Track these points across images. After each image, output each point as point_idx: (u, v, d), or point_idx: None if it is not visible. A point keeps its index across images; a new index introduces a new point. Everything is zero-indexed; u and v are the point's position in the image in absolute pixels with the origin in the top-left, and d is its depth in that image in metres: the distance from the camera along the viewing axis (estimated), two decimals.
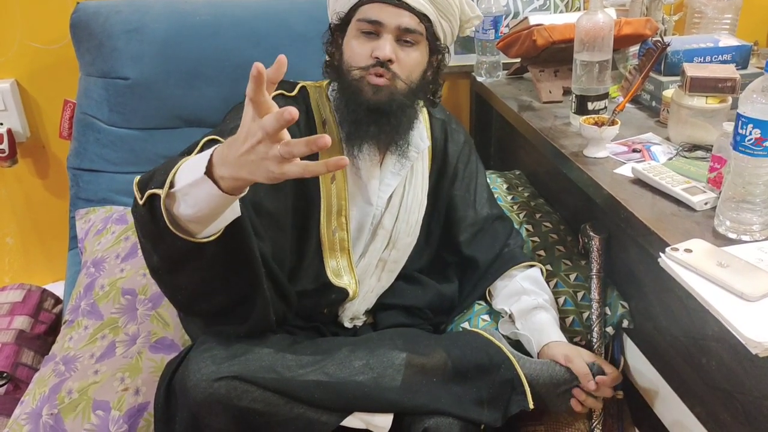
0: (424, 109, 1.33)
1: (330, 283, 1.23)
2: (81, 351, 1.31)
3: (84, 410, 1.19)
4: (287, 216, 1.18)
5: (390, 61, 1.13)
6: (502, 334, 1.27)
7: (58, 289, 1.75)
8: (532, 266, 1.34)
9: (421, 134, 1.28)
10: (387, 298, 1.30)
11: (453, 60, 1.87)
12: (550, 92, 1.62)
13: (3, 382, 1.38)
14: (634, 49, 1.66)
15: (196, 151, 1.01)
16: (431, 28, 1.17)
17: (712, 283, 0.91)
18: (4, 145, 1.71)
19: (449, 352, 1.12)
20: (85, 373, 1.25)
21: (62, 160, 1.73)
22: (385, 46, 1.12)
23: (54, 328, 1.62)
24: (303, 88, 1.26)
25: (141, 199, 0.91)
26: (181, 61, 1.55)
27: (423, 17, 1.15)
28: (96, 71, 1.58)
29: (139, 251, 1.43)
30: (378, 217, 1.27)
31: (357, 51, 1.15)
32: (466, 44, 1.88)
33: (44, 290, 1.73)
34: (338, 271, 1.24)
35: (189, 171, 0.88)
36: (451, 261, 1.38)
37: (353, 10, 1.16)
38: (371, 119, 1.15)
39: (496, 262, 1.35)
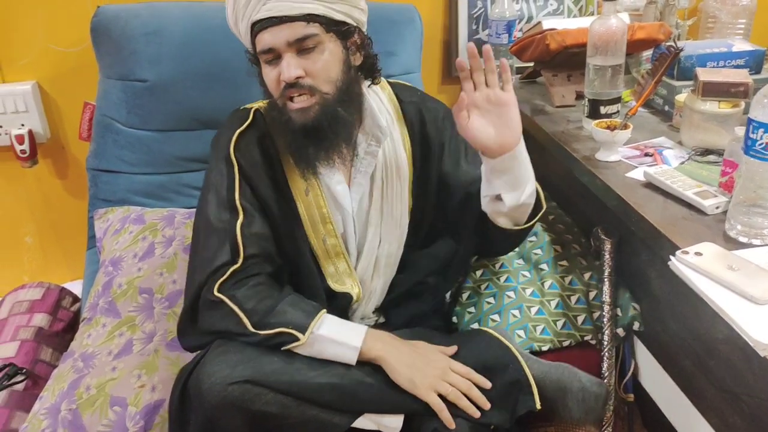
0: (393, 96, 1.28)
1: (332, 291, 1.24)
2: (99, 348, 1.33)
3: (102, 406, 1.21)
4: (282, 237, 1.21)
5: (299, 78, 1.10)
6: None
7: (76, 287, 1.77)
8: None
9: (377, 122, 1.21)
10: (390, 292, 1.31)
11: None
12: (563, 96, 1.63)
13: (22, 378, 1.41)
14: (648, 53, 1.67)
15: (239, 242, 1.14)
16: (326, 19, 1.11)
17: (721, 287, 0.92)
18: (25, 146, 1.74)
19: (458, 352, 1.14)
20: (103, 370, 1.28)
21: (81, 160, 1.76)
22: (285, 69, 1.10)
23: (72, 326, 1.64)
24: (257, 111, 1.23)
25: (263, 329, 1.07)
26: (199, 64, 1.58)
27: (309, 17, 1.10)
28: (115, 74, 1.61)
29: (156, 251, 1.46)
30: (362, 218, 1.26)
31: (270, 80, 1.14)
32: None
33: (62, 288, 1.75)
34: (338, 277, 1.25)
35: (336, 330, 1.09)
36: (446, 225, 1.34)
37: (254, 45, 1.15)
38: (308, 142, 1.14)
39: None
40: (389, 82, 1.32)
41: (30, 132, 1.74)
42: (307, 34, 1.09)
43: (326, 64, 1.12)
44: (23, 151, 1.74)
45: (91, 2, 1.68)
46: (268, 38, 1.10)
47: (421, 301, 1.31)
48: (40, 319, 1.60)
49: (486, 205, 1.19)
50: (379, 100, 1.25)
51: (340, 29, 1.13)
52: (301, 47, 1.10)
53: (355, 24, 1.16)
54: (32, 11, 1.69)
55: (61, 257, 1.95)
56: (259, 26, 1.11)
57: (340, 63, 1.14)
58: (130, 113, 1.60)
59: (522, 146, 1.11)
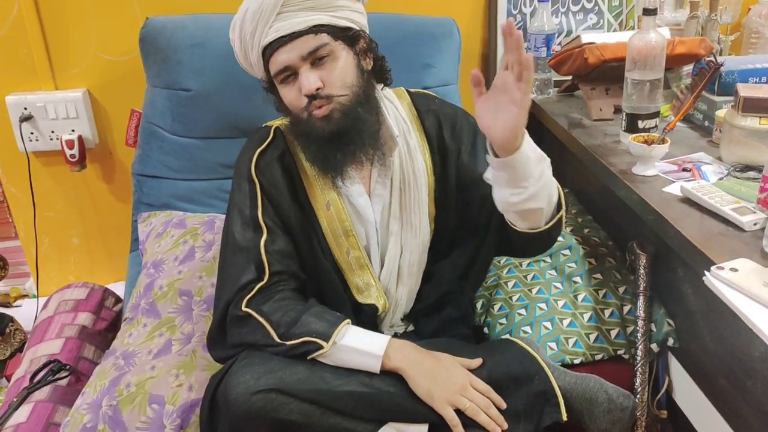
0: (412, 106, 1.29)
1: (357, 303, 1.26)
2: (139, 347, 1.38)
3: (141, 403, 1.25)
4: (303, 253, 1.24)
5: (318, 89, 1.12)
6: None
7: (118, 288, 1.83)
8: None
9: (390, 132, 1.22)
10: (419, 302, 1.32)
11: None
12: (601, 110, 1.62)
13: (66, 374, 1.46)
14: (688, 68, 1.66)
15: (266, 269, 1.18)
16: (332, 28, 1.14)
17: (757, 303, 0.91)
18: (75, 151, 1.80)
19: (484, 362, 1.14)
20: (143, 368, 1.32)
21: (127, 166, 1.82)
22: (305, 82, 1.12)
23: (114, 325, 1.69)
24: (277, 129, 1.26)
25: (288, 340, 1.10)
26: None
27: (316, 29, 1.12)
28: (161, 83, 1.66)
29: (196, 254, 1.50)
30: (384, 229, 1.27)
31: (290, 99, 1.17)
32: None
33: (106, 289, 1.80)
34: (363, 289, 1.26)
35: (360, 342, 1.11)
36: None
37: (267, 70, 1.18)
38: (335, 148, 1.16)
39: None
40: (408, 91, 1.33)
41: (80, 137, 1.81)
42: (318, 45, 1.12)
43: (341, 71, 1.14)
44: (73, 156, 1.81)
45: (140, 13, 1.75)
46: (281, 58, 1.13)
47: (449, 309, 1.31)
48: (84, 318, 1.65)
49: (498, 204, 1.16)
50: (395, 110, 1.27)
51: (347, 35, 1.16)
52: (315, 58, 1.13)
53: (359, 28, 1.19)
54: (84, 22, 1.76)
55: (105, 259, 2.01)
56: (270, 49, 1.14)
57: (354, 68, 1.17)
58: (174, 121, 1.65)
59: (518, 154, 1.05)
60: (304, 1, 1.12)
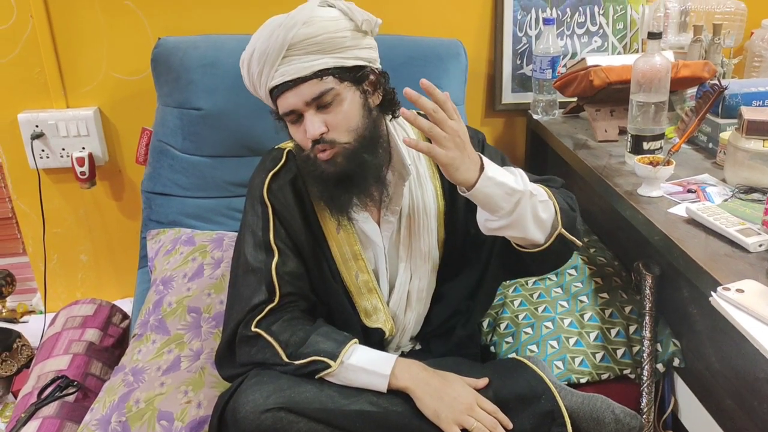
0: (421, 132, 1.26)
1: (366, 327, 1.26)
2: (148, 363, 1.38)
3: (150, 420, 1.25)
4: (313, 275, 1.25)
5: (322, 133, 1.13)
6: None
7: (125, 305, 1.84)
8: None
9: (403, 160, 1.22)
10: (427, 324, 1.32)
11: (509, 98, 1.94)
12: (606, 131, 1.64)
13: (74, 390, 1.46)
14: (692, 91, 1.68)
15: (275, 284, 1.19)
16: (338, 69, 1.13)
17: (763, 324, 0.92)
18: (85, 168, 1.82)
19: (491, 382, 1.15)
20: (152, 385, 1.32)
21: (137, 183, 1.84)
22: (309, 127, 1.12)
23: (120, 342, 1.70)
24: (289, 152, 1.27)
25: (296, 359, 1.12)
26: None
27: (321, 73, 1.12)
28: (172, 102, 1.68)
29: (205, 272, 1.51)
30: (393, 254, 1.27)
31: (298, 138, 1.18)
32: (523, 83, 1.93)
33: (113, 306, 1.81)
34: (371, 312, 1.27)
35: (366, 361, 1.12)
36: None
37: (276, 106, 1.19)
38: (340, 189, 1.16)
39: None
40: (420, 114, 1.33)
41: (90, 155, 1.83)
42: (322, 90, 1.12)
43: (346, 115, 1.14)
44: (83, 173, 1.83)
45: (151, 34, 1.77)
46: (286, 101, 1.14)
47: (459, 330, 1.32)
48: (92, 334, 1.66)
49: (479, 225, 1.17)
50: (406, 135, 1.26)
51: (354, 75, 1.15)
52: (320, 104, 1.13)
53: (368, 64, 1.17)
54: (96, 41, 1.78)
55: (112, 275, 2.02)
56: (276, 91, 1.15)
57: (360, 109, 1.16)
58: (185, 139, 1.67)
59: (474, 191, 1.07)
60: (309, 45, 1.11)
